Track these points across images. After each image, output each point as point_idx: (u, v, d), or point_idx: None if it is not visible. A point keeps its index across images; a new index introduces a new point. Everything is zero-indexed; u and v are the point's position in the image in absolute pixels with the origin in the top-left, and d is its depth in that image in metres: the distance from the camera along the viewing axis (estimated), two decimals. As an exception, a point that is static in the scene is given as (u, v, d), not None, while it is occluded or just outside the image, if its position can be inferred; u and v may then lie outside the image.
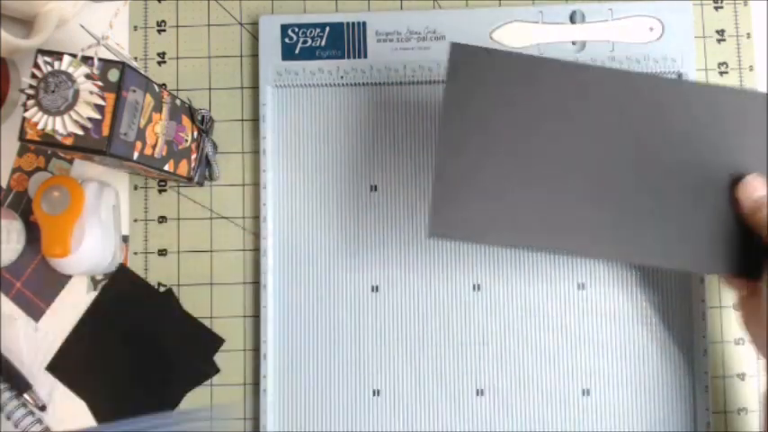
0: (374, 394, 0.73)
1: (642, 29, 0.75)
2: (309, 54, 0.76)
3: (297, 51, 0.76)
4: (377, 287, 0.75)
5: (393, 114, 0.76)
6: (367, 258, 0.75)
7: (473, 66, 0.63)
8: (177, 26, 0.79)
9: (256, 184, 0.77)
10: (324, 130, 0.76)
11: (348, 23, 0.76)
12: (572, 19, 0.75)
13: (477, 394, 0.73)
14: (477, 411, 0.73)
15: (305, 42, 0.76)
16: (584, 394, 0.72)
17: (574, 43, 0.75)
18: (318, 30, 0.76)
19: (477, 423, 0.73)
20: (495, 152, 0.62)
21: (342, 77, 0.76)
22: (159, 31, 0.80)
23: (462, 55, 0.63)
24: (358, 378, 0.74)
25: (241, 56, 0.79)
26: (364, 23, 0.76)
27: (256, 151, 0.78)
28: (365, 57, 0.76)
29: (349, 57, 0.76)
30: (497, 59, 0.63)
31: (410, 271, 0.75)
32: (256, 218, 0.77)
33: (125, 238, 0.78)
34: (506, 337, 0.73)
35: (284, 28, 0.76)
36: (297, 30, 0.76)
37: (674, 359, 0.73)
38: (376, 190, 0.75)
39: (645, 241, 0.62)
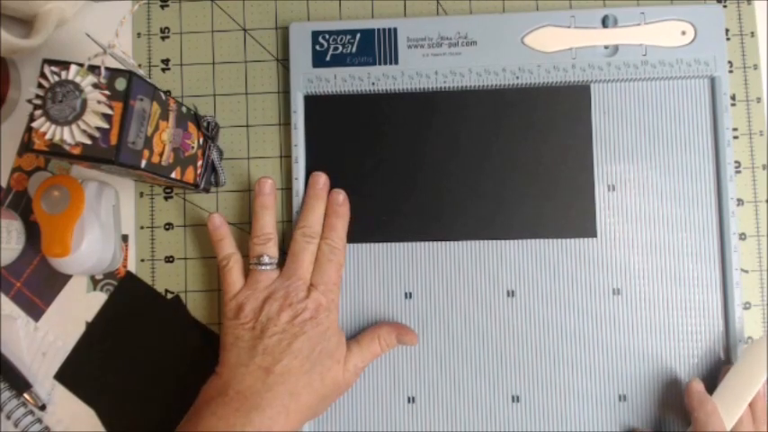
0: (409, 401, 0.73)
1: (674, 33, 0.75)
2: (340, 61, 0.76)
3: (328, 58, 0.76)
4: (410, 294, 0.75)
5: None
6: (399, 265, 0.75)
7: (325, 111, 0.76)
8: (181, 33, 0.79)
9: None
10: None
11: (379, 30, 0.76)
12: (604, 23, 0.75)
13: (513, 401, 0.73)
14: (512, 418, 0.73)
15: (336, 49, 0.75)
16: (620, 400, 0.73)
17: (606, 47, 0.75)
18: (349, 36, 0.76)
19: (513, 429, 0.73)
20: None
21: (373, 84, 0.75)
22: (163, 38, 0.79)
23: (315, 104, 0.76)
24: (393, 385, 0.74)
25: (245, 61, 0.78)
26: (395, 29, 0.75)
27: (263, 157, 0.78)
28: (396, 63, 0.75)
29: (380, 63, 0.75)
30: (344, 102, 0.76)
31: (443, 277, 0.75)
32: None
33: (125, 238, 0.78)
34: (541, 343, 0.73)
35: (315, 35, 0.76)
36: (328, 36, 0.76)
37: (712, 364, 0.73)
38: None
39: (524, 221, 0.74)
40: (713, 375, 0.72)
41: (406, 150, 0.75)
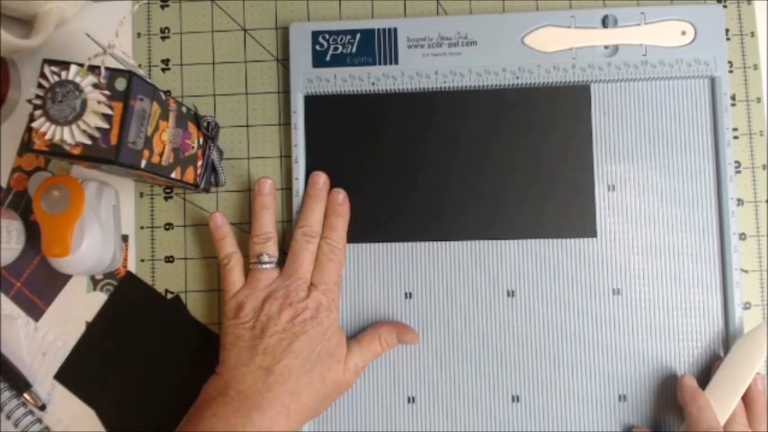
0: (409, 401, 0.73)
1: (674, 33, 0.74)
2: (340, 61, 0.75)
3: (328, 58, 0.76)
4: (410, 294, 0.75)
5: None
6: (399, 265, 0.75)
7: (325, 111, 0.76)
8: (181, 33, 0.79)
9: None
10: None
11: (379, 30, 0.75)
12: (604, 23, 0.75)
13: (513, 401, 0.73)
14: (512, 418, 0.73)
15: (336, 49, 0.75)
16: (620, 400, 0.72)
17: (606, 47, 0.75)
18: (349, 36, 0.75)
19: (513, 429, 0.73)
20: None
21: (373, 84, 0.75)
22: (163, 38, 0.79)
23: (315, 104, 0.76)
24: (393, 385, 0.74)
25: (245, 61, 0.78)
26: (395, 29, 0.75)
27: (263, 157, 0.78)
28: (396, 63, 0.75)
29: (380, 63, 0.75)
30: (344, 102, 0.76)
31: (443, 277, 0.74)
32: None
33: (125, 238, 0.78)
34: (541, 343, 0.73)
35: (315, 35, 0.76)
36: (328, 36, 0.76)
37: (712, 364, 0.72)
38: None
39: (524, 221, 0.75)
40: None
41: (406, 150, 0.75)
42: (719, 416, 0.66)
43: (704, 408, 0.66)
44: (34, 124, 0.56)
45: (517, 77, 0.74)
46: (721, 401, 0.67)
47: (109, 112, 0.57)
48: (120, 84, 0.57)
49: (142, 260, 0.77)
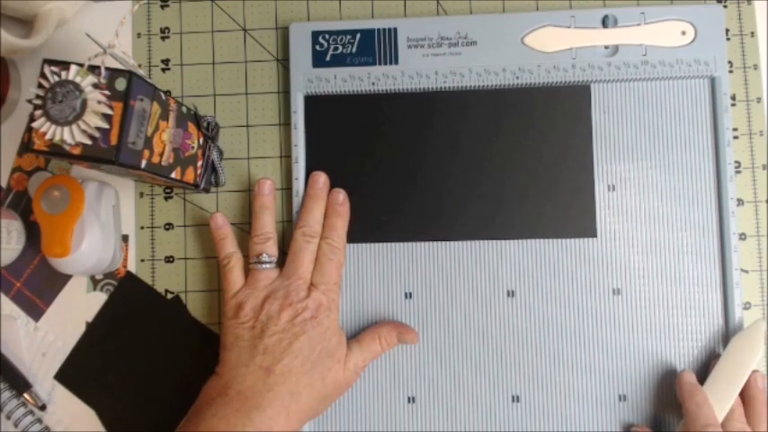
0: (409, 401, 0.73)
1: (674, 33, 0.74)
2: (340, 61, 0.75)
3: (328, 58, 0.75)
4: (410, 294, 0.74)
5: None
6: (399, 265, 0.75)
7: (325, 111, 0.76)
8: (181, 33, 0.79)
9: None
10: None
11: (379, 30, 0.75)
12: (604, 23, 0.75)
13: (513, 401, 0.73)
14: (512, 418, 0.73)
15: (336, 49, 0.75)
16: (620, 399, 0.72)
17: (606, 47, 0.75)
18: (349, 36, 0.75)
19: (513, 429, 0.73)
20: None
21: (373, 84, 0.75)
22: (163, 38, 0.79)
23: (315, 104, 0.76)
24: (393, 385, 0.74)
25: (245, 61, 0.78)
26: (395, 29, 0.75)
27: (263, 157, 0.78)
28: (396, 63, 0.75)
29: (380, 63, 0.75)
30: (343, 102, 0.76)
31: (443, 277, 0.74)
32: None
33: (125, 238, 0.78)
34: (541, 343, 0.73)
35: (315, 35, 0.76)
36: (328, 36, 0.76)
37: (711, 363, 0.72)
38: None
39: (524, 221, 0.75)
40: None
41: (406, 150, 0.75)
42: (717, 412, 0.66)
43: (702, 404, 0.66)
44: (34, 124, 0.56)
45: (517, 77, 0.74)
46: (719, 398, 0.67)
47: (109, 112, 0.57)
48: (120, 84, 0.57)
49: (142, 260, 0.77)
